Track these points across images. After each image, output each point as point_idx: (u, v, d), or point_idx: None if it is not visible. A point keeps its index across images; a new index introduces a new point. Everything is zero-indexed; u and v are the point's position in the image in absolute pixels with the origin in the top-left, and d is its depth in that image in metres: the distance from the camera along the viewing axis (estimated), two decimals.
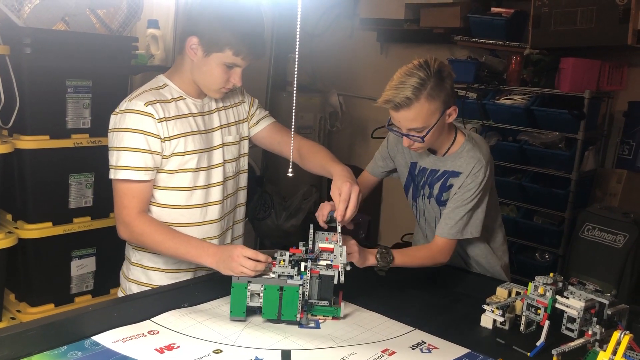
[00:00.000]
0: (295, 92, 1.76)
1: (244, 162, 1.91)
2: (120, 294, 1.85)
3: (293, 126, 1.67)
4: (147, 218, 1.65)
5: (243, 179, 1.92)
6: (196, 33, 1.62)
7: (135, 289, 1.78)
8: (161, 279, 1.77)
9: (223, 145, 1.79)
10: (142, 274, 1.78)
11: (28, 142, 2.33)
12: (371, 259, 1.68)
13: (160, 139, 1.63)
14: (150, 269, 1.77)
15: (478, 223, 1.83)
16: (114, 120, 1.65)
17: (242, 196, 1.93)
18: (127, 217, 1.63)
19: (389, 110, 1.73)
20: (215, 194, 1.77)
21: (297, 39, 1.35)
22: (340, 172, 1.70)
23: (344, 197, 1.60)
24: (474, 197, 1.79)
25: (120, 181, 1.63)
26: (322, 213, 1.63)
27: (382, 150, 2.06)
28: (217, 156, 1.77)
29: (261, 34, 1.67)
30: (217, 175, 1.77)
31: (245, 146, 1.90)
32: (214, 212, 1.77)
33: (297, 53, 1.42)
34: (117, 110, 1.67)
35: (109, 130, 1.66)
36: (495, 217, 2.00)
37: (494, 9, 3.42)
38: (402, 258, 1.73)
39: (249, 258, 1.49)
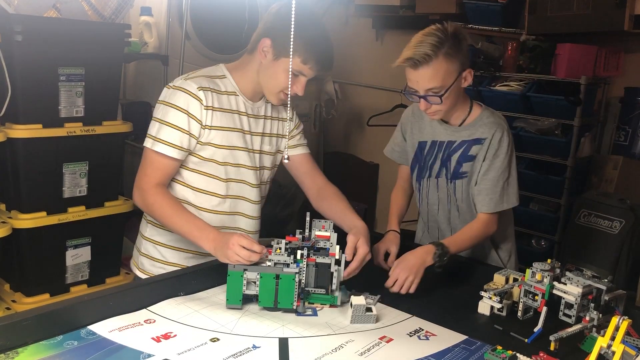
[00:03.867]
0: (290, 80, 1.74)
1: (269, 175, 1.91)
2: (132, 267, 1.87)
3: (288, 118, 1.65)
4: (163, 190, 1.68)
5: (264, 190, 1.92)
6: (270, 36, 1.66)
7: (146, 263, 1.80)
8: (173, 257, 1.78)
9: (260, 152, 1.82)
10: (153, 249, 1.80)
11: (21, 131, 2.31)
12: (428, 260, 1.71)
13: (202, 125, 1.67)
14: (162, 245, 1.79)
15: (514, 192, 1.86)
16: (165, 93, 1.70)
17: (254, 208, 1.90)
18: (145, 184, 1.67)
19: (406, 72, 1.75)
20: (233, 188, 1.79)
21: (292, 26, 1.34)
22: (363, 229, 1.69)
23: (359, 258, 1.61)
24: (506, 163, 1.82)
25: (152, 151, 1.66)
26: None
27: (396, 136, 2.07)
28: (250, 159, 1.78)
29: (330, 47, 1.73)
30: (244, 174, 1.79)
31: (277, 159, 1.91)
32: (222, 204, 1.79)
33: (291, 40, 1.40)
34: (171, 84, 1.71)
35: (158, 101, 1.70)
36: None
37: None
38: (455, 249, 1.76)
39: (244, 247, 1.49)
